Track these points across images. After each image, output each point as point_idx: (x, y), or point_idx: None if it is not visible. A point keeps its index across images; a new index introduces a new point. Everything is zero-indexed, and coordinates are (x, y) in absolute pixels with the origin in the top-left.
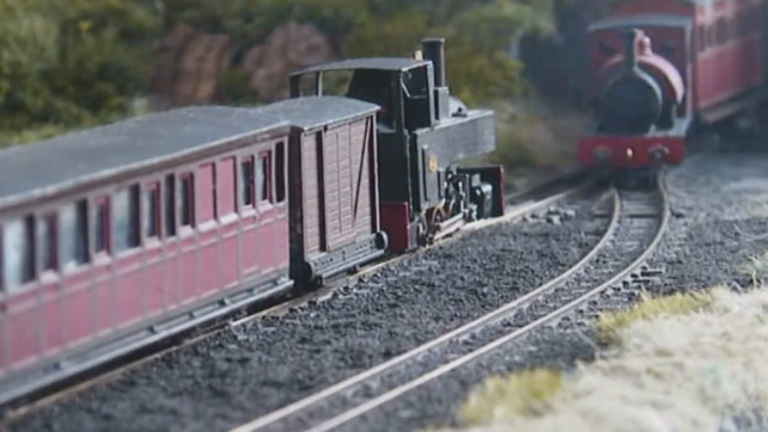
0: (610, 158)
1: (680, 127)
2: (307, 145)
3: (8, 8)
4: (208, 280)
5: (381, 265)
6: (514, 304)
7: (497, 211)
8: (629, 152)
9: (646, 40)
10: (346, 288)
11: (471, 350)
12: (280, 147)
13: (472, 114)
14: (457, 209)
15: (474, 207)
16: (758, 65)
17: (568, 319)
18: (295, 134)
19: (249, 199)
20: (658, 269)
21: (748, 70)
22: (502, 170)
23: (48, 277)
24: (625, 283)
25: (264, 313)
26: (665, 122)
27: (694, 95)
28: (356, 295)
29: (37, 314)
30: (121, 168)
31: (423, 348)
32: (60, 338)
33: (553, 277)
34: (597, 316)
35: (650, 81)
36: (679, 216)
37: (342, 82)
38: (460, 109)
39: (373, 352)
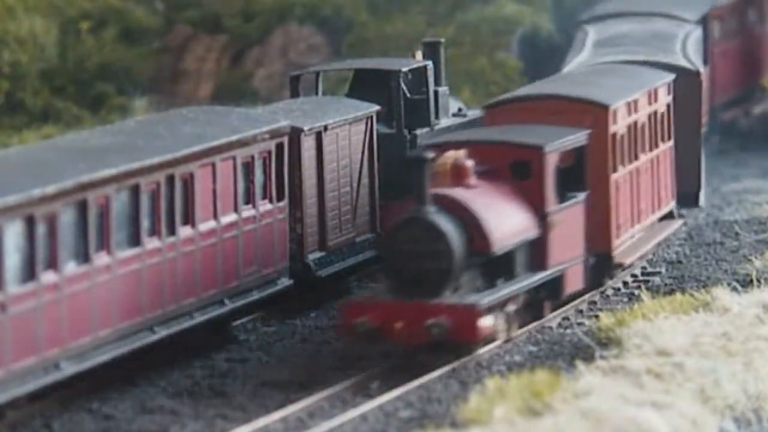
0: (372, 332)
1: (495, 293)
2: (307, 145)
3: (8, 8)
4: (208, 280)
5: (381, 264)
6: None
7: None
8: (398, 325)
9: (468, 164)
10: (346, 288)
11: (471, 350)
12: (280, 147)
13: (472, 114)
14: None
15: None
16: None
17: (568, 319)
18: (295, 134)
19: (249, 199)
20: (658, 269)
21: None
22: None
23: (48, 277)
24: (625, 283)
25: (264, 313)
26: (474, 283)
27: (603, 233)
28: (356, 295)
29: (37, 314)
30: (121, 168)
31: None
32: (60, 338)
33: None
34: (597, 316)
35: (443, 225)
36: (679, 216)
37: (342, 82)
38: (460, 109)
39: (373, 352)
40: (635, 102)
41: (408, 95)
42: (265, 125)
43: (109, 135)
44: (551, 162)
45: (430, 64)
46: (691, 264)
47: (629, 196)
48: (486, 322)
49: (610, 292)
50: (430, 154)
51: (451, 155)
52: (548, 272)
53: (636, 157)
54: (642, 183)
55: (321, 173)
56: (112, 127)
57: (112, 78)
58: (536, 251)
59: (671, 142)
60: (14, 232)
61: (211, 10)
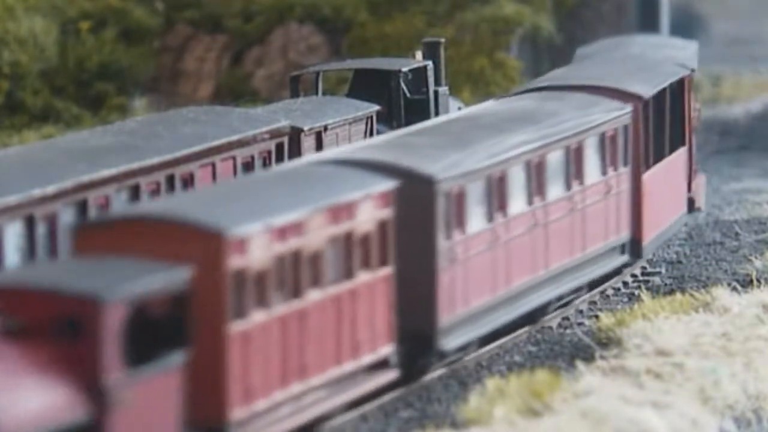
0: None
1: None
2: (307, 145)
3: (8, 8)
4: None
5: None
6: None
7: None
8: None
9: None
10: None
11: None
12: (280, 147)
13: None
14: None
15: None
16: None
17: (568, 319)
18: (295, 134)
19: None
20: (658, 269)
21: None
22: None
23: None
24: (625, 283)
25: None
26: None
27: (214, 402)
28: None
29: None
30: (121, 168)
31: None
32: None
33: None
34: (597, 316)
35: None
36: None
37: (342, 82)
38: (459, 109)
39: None
40: (297, 224)
41: (408, 95)
42: (265, 125)
43: (109, 135)
44: (115, 315)
45: (430, 64)
46: (691, 264)
47: (280, 348)
48: None
49: (610, 292)
50: None
51: None
52: None
53: (298, 295)
54: (313, 328)
55: None
56: (112, 127)
57: (112, 78)
58: None
59: (388, 270)
60: (14, 232)
61: (211, 10)
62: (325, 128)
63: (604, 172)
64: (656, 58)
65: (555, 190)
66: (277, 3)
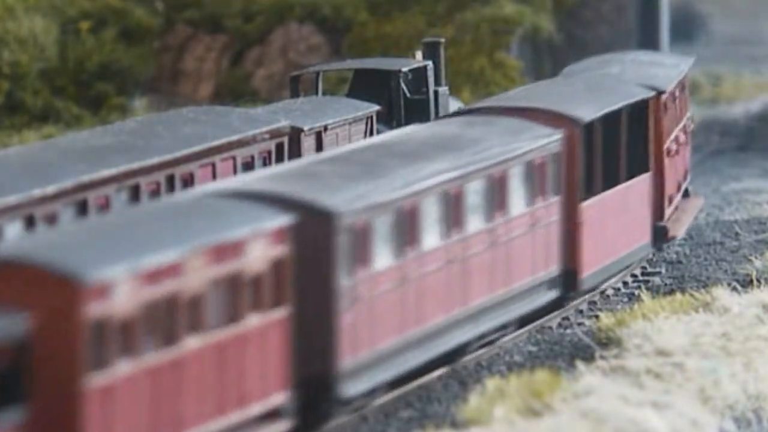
0: None
1: None
2: (307, 145)
3: (8, 8)
4: None
5: None
6: None
7: None
8: None
9: None
10: None
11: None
12: (280, 147)
13: None
14: None
15: None
16: None
17: (568, 319)
18: (295, 134)
19: None
20: (658, 269)
21: None
22: None
23: None
24: (625, 283)
25: None
26: None
27: None
28: None
29: None
30: (121, 168)
31: None
32: None
33: None
34: (597, 316)
35: None
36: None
37: (342, 82)
38: (460, 109)
39: None
40: (173, 265)
41: (408, 95)
42: (265, 125)
43: (109, 135)
44: None
45: (430, 64)
46: (691, 264)
47: (151, 400)
48: None
49: (610, 292)
50: None
51: None
52: None
53: (173, 343)
54: (191, 378)
55: None
56: (112, 127)
57: (112, 78)
58: None
59: (283, 312)
60: (14, 232)
61: (211, 10)
62: (325, 128)
63: (530, 203)
64: (624, 79)
65: (475, 222)
66: (277, 3)
